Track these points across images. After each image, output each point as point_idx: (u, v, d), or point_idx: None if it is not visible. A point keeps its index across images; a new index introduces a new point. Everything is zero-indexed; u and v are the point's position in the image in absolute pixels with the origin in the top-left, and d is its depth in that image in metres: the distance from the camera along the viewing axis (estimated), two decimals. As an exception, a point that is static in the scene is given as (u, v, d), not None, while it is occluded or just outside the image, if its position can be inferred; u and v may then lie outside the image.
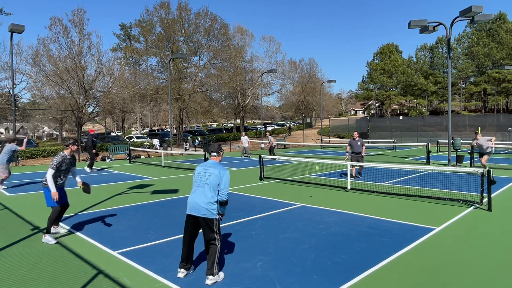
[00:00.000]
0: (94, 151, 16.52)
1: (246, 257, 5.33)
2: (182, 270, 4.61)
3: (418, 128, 39.88)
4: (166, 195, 10.30)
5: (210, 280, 4.38)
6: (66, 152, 6.40)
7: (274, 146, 23.14)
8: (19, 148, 12.08)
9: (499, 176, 12.43)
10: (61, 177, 6.38)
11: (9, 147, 11.85)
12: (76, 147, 6.54)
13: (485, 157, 14.25)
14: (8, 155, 11.75)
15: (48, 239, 6.13)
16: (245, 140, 23.83)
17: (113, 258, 5.38)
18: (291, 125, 55.39)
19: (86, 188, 6.67)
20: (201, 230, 4.60)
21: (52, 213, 6.26)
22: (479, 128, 17.22)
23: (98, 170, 16.73)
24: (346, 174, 13.26)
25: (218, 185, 4.50)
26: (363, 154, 12.97)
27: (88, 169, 16.19)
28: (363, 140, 13.39)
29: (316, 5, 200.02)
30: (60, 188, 6.35)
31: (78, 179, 6.67)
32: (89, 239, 6.28)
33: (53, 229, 6.51)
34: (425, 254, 5.40)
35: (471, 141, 14.41)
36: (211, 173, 4.54)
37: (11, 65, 20.75)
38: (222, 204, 4.56)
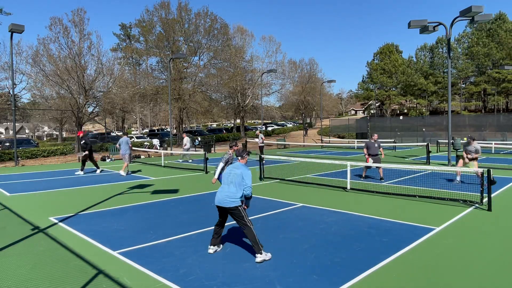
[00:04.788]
0: (86, 152, 15.92)
1: (246, 257, 5.32)
2: None
3: (418, 128, 39.85)
4: (166, 195, 10.30)
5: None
6: (231, 152, 8.30)
7: (262, 146, 21.95)
8: (130, 143, 15.20)
9: (499, 176, 12.43)
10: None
11: (125, 140, 15.02)
12: (237, 147, 8.26)
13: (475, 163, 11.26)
14: (127, 145, 14.97)
15: None
16: (186, 140, 19.62)
17: (113, 258, 5.38)
18: (307, 127, 55.41)
19: None
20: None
21: None
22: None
23: (102, 170, 16.57)
24: (361, 176, 13.14)
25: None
26: (382, 155, 12.74)
27: (98, 171, 16.11)
28: (379, 141, 13.23)
29: (316, 5, 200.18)
30: None
31: None
32: (89, 239, 6.28)
33: None
34: (425, 254, 5.40)
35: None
36: (235, 173, 5.32)
37: (11, 65, 20.75)
38: (247, 198, 5.39)
